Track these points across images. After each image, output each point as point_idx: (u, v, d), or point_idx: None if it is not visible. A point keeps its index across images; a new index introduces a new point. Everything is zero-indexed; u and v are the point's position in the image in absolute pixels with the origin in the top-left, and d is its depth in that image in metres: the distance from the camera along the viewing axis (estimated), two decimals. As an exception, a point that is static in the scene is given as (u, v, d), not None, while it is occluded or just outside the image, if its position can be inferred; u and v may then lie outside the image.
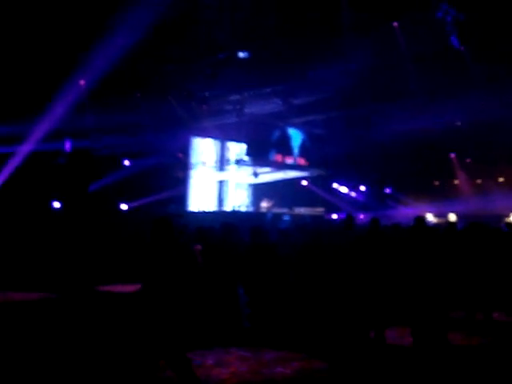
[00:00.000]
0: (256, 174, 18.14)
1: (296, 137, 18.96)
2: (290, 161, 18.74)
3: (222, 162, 18.95)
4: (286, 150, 18.67)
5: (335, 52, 12.80)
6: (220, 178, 19.03)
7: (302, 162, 19.18)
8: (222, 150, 19.04)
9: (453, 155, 19.73)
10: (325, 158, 19.18)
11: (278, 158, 18.38)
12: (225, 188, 19.21)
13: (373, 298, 6.40)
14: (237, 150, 19.05)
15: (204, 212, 17.21)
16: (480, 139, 17.46)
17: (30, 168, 13.02)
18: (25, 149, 12.89)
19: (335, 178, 20.07)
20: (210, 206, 18.44)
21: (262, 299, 7.08)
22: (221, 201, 18.94)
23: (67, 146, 14.49)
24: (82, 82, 13.51)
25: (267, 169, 18.51)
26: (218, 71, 14.05)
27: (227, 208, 18.41)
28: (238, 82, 14.93)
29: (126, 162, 15.97)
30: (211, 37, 13.12)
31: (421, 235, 6.15)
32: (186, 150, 17.83)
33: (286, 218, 15.21)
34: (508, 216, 16.78)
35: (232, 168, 18.54)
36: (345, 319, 6.69)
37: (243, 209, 18.64)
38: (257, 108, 16.92)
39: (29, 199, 12.83)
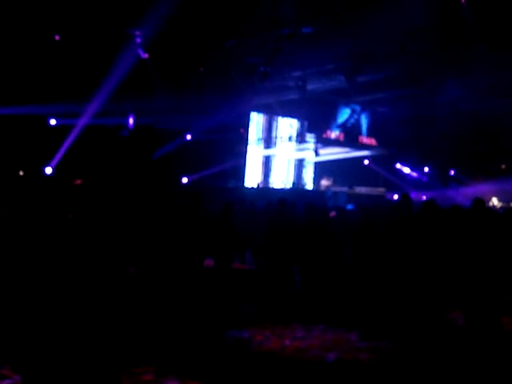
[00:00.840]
0: (317, 152, 18.06)
1: (359, 115, 18.68)
2: (352, 139, 18.54)
3: (275, 139, 18.92)
4: (348, 128, 18.44)
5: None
6: (290, 155, 19.03)
7: (364, 140, 18.93)
8: (275, 126, 19.00)
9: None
10: (388, 138, 18.87)
11: (340, 136, 18.22)
12: (275, 164, 19.22)
13: (432, 279, 6.31)
14: (297, 127, 19.01)
15: (263, 188, 17.37)
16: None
17: (95, 140, 13.41)
18: (87, 122, 13.28)
19: (398, 158, 19.70)
20: (272, 183, 18.59)
21: (314, 277, 7.10)
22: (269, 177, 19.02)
23: (131, 121, 14.80)
24: (144, 56, 13.71)
25: (329, 147, 18.41)
26: (281, 46, 13.91)
27: (288, 185, 18.45)
28: (301, 58, 14.76)
29: (188, 137, 16.16)
30: (275, 11, 12.98)
31: (479, 217, 5.99)
32: (246, 126, 17.91)
33: (344, 197, 15.10)
34: None
35: (292, 145, 18.51)
36: (406, 300, 6.63)
37: (303, 186, 18.66)
38: (319, 85, 16.73)
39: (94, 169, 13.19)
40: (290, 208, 7.57)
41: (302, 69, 15.63)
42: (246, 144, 18.00)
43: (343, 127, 18.38)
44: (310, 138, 17.79)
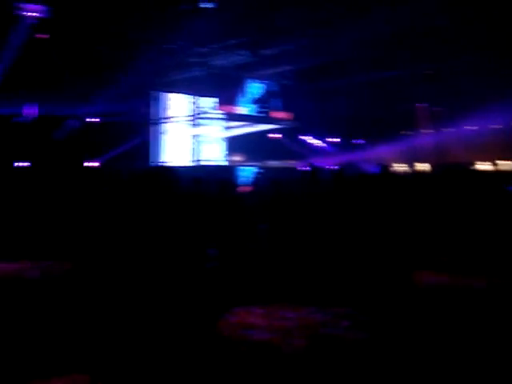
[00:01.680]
0: (227, 128, 18.04)
1: (266, 89, 18.73)
2: (261, 113, 18.58)
3: (194, 116, 18.82)
4: (257, 102, 18.46)
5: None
6: (192, 132, 18.95)
7: (275, 114, 19.03)
8: (193, 104, 18.94)
9: (420, 104, 19.64)
10: (296, 111, 19.09)
11: (248, 111, 18.20)
12: (198, 142, 19.15)
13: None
14: (208, 103, 18.86)
15: (174, 167, 17.05)
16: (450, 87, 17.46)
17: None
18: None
19: (306, 130, 19.98)
20: (183, 161, 18.43)
21: (231, 254, 7.05)
22: (193, 155, 18.92)
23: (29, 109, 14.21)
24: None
25: (239, 122, 18.38)
26: (182, 23, 13.64)
27: (199, 162, 18.36)
28: (204, 34, 14.56)
29: (88, 120, 15.70)
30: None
31: (385, 182, 6.13)
32: (153, 105, 17.64)
33: (255, 170, 15.17)
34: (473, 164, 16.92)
35: (204, 122, 18.39)
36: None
37: (214, 163, 18.62)
38: (224, 61, 16.62)
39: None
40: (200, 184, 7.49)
41: (205, 45, 15.44)
42: (154, 123, 17.77)
43: (253, 102, 18.37)
44: (220, 114, 17.69)
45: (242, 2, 12.62)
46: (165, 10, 13.04)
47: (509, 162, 16.80)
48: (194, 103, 18.90)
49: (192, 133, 19.05)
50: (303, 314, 4.92)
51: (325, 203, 6.68)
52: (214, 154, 19.60)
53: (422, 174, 9.76)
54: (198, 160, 18.55)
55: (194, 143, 18.98)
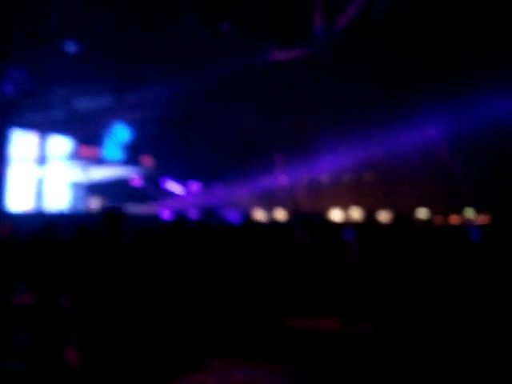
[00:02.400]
0: (85, 171, 17.59)
1: (127, 133, 18.62)
2: (131, 158, 18.35)
3: (46, 159, 17.82)
4: (117, 146, 18.26)
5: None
6: (42, 174, 17.72)
7: (142, 159, 18.91)
8: (46, 145, 17.88)
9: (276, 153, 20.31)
10: (159, 156, 19.15)
11: (109, 153, 17.92)
12: (45, 186, 18.00)
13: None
14: (64, 145, 18.14)
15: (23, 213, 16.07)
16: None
17: None
18: None
19: (168, 176, 19.99)
20: (28, 206, 17.19)
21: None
22: (41, 200, 17.76)
23: None
24: None
25: (97, 166, 18.01)
26: (43, 63, 13.37)
27: (49, 208, 17.36)
28: (66, 76, 14.35)
29: None
30: (36, 26, 12.45)
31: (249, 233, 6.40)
32: (4, 144, 16.62)
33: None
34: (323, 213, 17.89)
35: (57, 164, 17.63)
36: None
37: (67, 208, 17.81)
38: (87, 103, 16.37)
39: None
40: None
41: (67, 86, 15.17)
42: (7, 164, 16.70)
43: (116, 145, 18.13)
44: (78, 156, 17.23)
45: (107, 48, 12.70)
46: (26, 48, 12.78)
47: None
48: (47, 144, 17.74)
49: (39, 175, 17.70)
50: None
51: (189, 256, 6.78)
52: (62, 199, 18.63)
53: (280, 223, 10.23)
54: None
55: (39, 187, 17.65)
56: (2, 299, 7.28)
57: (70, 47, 13.16)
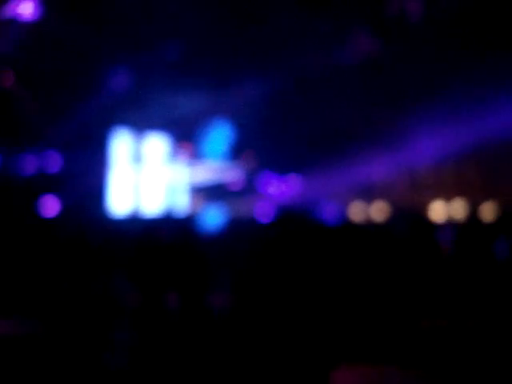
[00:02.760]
0: (188, 173, 17.96)
1: (226, 132, 18.87)
2: (221, 159, 18.58)
3: (146, 160, 18.25)
4: (219, 147, 18.52)
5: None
6: (142, 175, 18.25)
7: (242, 157, 19.09)
8: (142, 147, 18.26)
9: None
10: (257, 153, 19.29)
11: (218, 154, 18.20)
12: (144, 187, 18.16)
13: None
14: (163, 146, 18.51)
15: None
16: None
17: None
18: None
19: (269, 172, 20.05)
20: (127, 207, 17.50)
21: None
22: (140, 201, 18.00)
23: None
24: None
25: (200, 167, 18.38)
26: (142, 62, 13.86)
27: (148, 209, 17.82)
28: (167, 76, 14.80)
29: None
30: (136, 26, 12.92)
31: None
32: (108, 148, 17.25)
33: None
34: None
35: (157, 165, 18.13)
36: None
37: (178, 211, 18.25)
38: (186, 101, 16.74)
39: None
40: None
41: (167, 86, 15.61)
42: (110, 166, 17.19)
43: (220, 145, 18.38)
44: (185, 158, 17.62)
45: (206, 46, 12.98)
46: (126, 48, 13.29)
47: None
48: (144, 146, 18.23)
49: (160, 178, 18.34)
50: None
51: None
52: (161, 200, 18.63)
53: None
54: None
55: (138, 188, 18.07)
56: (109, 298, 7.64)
57: (169, 47, 13.52)
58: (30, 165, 14.28)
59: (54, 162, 15.17)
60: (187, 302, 6.85)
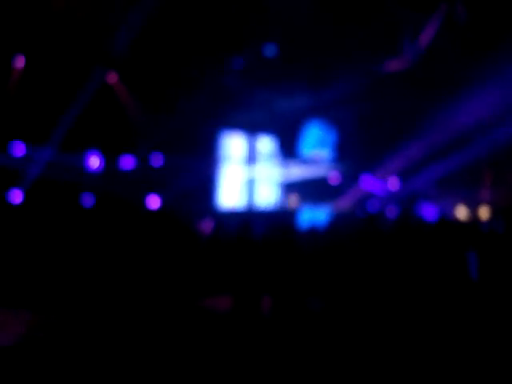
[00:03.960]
0: (286, 170, 18.15)
1: (326, 132, 18.88)
2: (319, 156, 18.63)
3: (252, 158, 19.02)
4: (316, 145, 18.58)
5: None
6: (250, 173, 19.08)
7: (330, 156, 19.06)
8: (252, 145, 19.19)
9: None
10: (354, 153, 19.13)
11: (309, 153, 18.31)
12: (254, 185, 19.32)
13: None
14: (267, 145, 19.09)
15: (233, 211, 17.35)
16: None
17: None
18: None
19: (365, 173, 19.85)
20: (240, 204, 18.52)
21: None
22: (250, 198, 19.01)
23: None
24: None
25: (297, 165, 18.51)
26: (247, 66, 14.08)
27: (256, 206, 18.41)
28: (267, 77, 14.98)
29: (159, 160, 16.12)
30: (241, 31, 13.12)
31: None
32: (215, 146, 17.97)
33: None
34: None
35: (262, 164, 18.53)
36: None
37: (271, 206, 18.70)
38: (286, 103, 16.93)
39: None
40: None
41: (268, 87, 15.84)
42: (219, 164, 18.02)
43: (312, 144, 18.46)
44: (282, 157, 17.84)
45: (302, 48, 12.99)
46: (229, 54, 13.57)
47: None
48: (253, 144, 19.20)
49: (252, 174, 19.12)
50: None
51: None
52: (271, 196, 19.59)
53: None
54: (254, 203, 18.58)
55: (251, 185, 19.03)
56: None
57: (270, 48, 13.68)
58: (138, 163, 15.06)
59: (159, 161, 15.86)
60: (284, 304, 6.71)
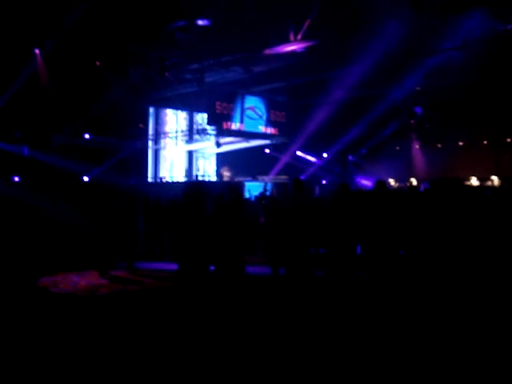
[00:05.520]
0: (218, 144, 18.09)
1: (258, 105, 18.87)
2: (252, 129, 18.61)
3: (189, 132, 19.13)
4: (248, 118, 18.53)
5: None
6: (186, 148, 19.25)
7: (265, 130, 19.10)
8: (189, 120, 19.35)
9: (411, 120, 19.67)
10: (287, 126, 19.26)
11: (241, 127, 18.26)
12: (191, 158, 19.55)
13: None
14: (200, 119, 19.11)
15: (169, 182, 17.48)
16: (440, 103, 17.69)
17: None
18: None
19: (298, 146, 20.01)
20: (178, 177, 18.71)
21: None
22: (187, 171, 19.27)
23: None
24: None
25: (230, 138, 18.48)
26: (177, 39, 13.78)
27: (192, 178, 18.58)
28: (198, 50, 14.74)
29: (86, 136, 15.80)
30: (170, 3, 12.81)
31: (382, 198, 6.33)
32: (145, 121, 17.84)
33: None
34: (468, 180, 17.19)
35: (200, 138, 18.50)
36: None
37: (207, 178, 18.82)
38: (217, 77, 16.78)
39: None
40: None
41: (199, 61, 15.60)
42: (146, 139, 17.99)
43: (245, 117, 18.37)
44: (211, 130, 17.74)
45: (236, 20, 12.81)
46: (160, 25, 13.23)
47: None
48: (190, 119, 19.29)
49: (188, 148, 19.32)
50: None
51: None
52: (208, 169, 19.97)
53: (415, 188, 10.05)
54: (196, 175, 18.83)
55: (191, 159, 19.45)
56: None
57: (201, 22, 13.43)
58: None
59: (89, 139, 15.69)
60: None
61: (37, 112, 13.96)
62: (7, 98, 13.32)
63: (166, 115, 19.05)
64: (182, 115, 19.43)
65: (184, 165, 19.55)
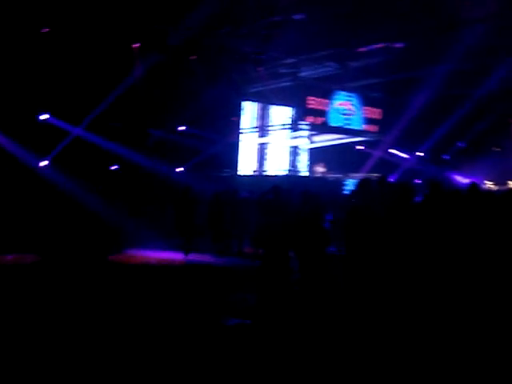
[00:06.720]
0: (309, 138, 18.04)
1: (352, 101, 18.60)
2: (345, 125, 18.38)
3: (291, 127, 18.97)
4: (343, 114, 18.31)
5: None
6: (289, 143, 19.10)
7: (359, 126, 18.82)
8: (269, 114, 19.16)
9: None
10: (382, 123, 18.88)
11: (333, 122, 18.06)
12: (270, 152, 19.47)
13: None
14: (288, 113, 18.96)
15: (258, 176, 17.54)
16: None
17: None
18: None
19: (392, 144, 19.58)
20: (267, 171, 18.71)
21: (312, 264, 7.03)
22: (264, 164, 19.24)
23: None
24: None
25: (322, 133, 18.38)
26: (273, 34, 13.81)
27: (282, 172, 18.53)
28: (293, 45, 14.71)
29: (181, 128, 16.10)
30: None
31: (475, 201, 6.05)
32: (238, 114, 17.92)
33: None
34: None
35: (286, 132, 18.46)
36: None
37: (300, 173, 18.72)
38: (312, 71, 16.68)
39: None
40: (285, 195, 7.58)
41: (294, 56, 15.58)
42: (239, 133, 18.08)
43: (340, 113, 18.17)
44: (305, 125, 17.68)
45: (332, 15, 12.66)
46: (256, 20, 13.30)
47: None
48: (291, 114, 19.01)
49: (288, 143, 19.12)
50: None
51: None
52: (302, 164, 19.72)
53: None
54: (289, 170, 18.73)
55: (290, 153, 19.29)
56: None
57: (297, 17, 13.37)
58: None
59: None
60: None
61: (135, 108, 14.45)
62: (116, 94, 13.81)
63: (267, 109, 18.93)
64: (279, 110, 19.19)
65: (287, 158, 19.38)
